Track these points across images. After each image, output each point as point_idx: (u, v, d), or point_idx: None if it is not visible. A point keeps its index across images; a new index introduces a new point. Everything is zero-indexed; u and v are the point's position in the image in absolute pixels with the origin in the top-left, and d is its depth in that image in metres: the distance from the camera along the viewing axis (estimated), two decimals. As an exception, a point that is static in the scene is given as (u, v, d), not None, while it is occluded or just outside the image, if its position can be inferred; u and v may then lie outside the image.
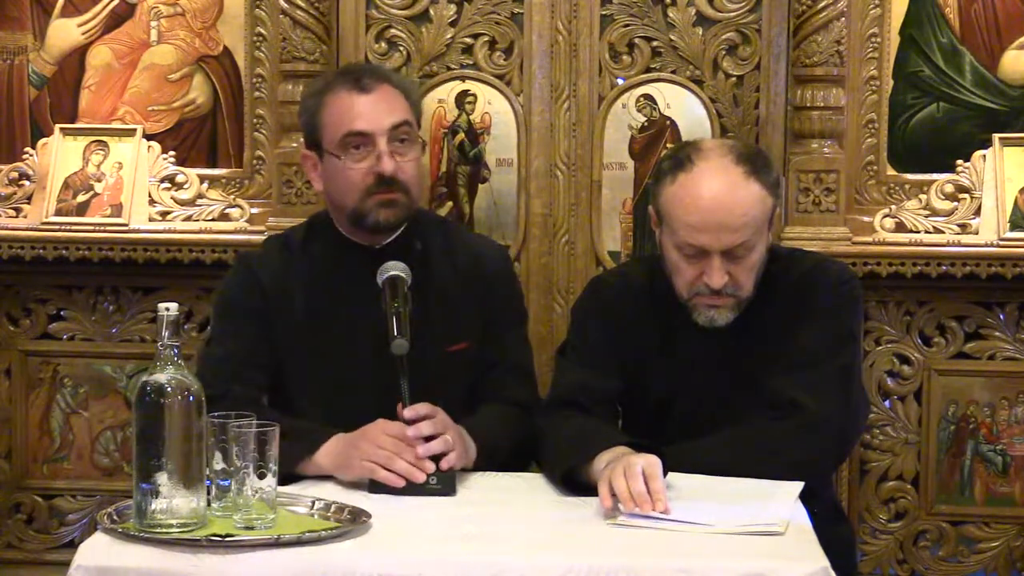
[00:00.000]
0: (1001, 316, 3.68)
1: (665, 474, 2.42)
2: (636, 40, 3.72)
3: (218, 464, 2.26)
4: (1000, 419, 3.70)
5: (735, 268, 2.71)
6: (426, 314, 2.84)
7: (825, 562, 2.16)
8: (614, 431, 2.79)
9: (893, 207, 3.69)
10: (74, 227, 3.75)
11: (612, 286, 2.98)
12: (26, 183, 3.86)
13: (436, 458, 2.55)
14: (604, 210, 3.73)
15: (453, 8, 3.75)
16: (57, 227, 3.76)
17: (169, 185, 3.83)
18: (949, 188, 3.68)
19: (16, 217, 3.83)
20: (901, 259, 3.59)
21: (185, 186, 3.82)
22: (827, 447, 2.74)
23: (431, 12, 3.75)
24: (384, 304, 2.69)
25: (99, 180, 3.81)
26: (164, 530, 2.18)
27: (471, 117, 3.76)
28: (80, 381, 3.88)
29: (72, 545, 3.76)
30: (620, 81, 3.72)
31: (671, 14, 3.71)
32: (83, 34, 3.89)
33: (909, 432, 3.72)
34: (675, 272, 2.76)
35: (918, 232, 3.65)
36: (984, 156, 3.67)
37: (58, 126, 3.86)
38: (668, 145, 3.68)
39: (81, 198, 3.80)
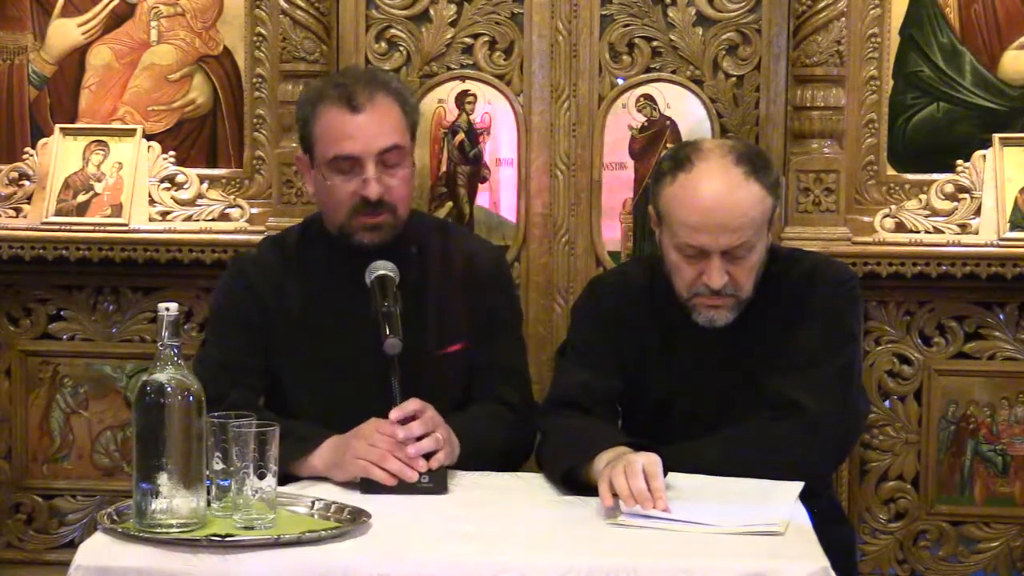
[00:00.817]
0: (1001, 316, 3.68)
1: (665, 473, 2.42)
2: (636, 40, 3.72)
3: (218, 464, 2.26)
4: (1000, 419, 3.70)
5: (735, 268, 2.71)
6: (422, 316, 2.84)
7: (825, 562, 2.16)
8: (614, 431, 2.79)
9: (893, 207, 3.69)
10: (74, 227, 3.75)
11: (611, 286, 2.98)
12: (26, 183, 3.86)
13: (427, 455, 2.56)
14: (604, 210, 3.73)
15: (453, 8, 3.75)
16: (57, 227, 3.76)
17: (169, 185, 3.83)
18: (949, 188, 3.68)
19: (16, 217, 3.83)
20: (901, 259, 3.59)
21: (185, 186, 3.82)
22: (827, 447, 2.74)
23: (431, 12, 3.75)
24: (374, 304, 2.69)
25: (99, 180, 3.81)
26: (164, 530, 2.18)
27: (471, 117, 3.76)
28: (80, 381, 3.88)
29: (72, 545, 3.76)
30: (620, 81, 3.72)
31: (671, 14, 3.71)
32: (83, 34, 3.89)
33: (909, 432, 3.72)
34: (675, 272, 2.76)
35: (918, 232, 3.65)
36: (984, 156, 3.67)
37: (58, 126, 3.86)
38: (668, 145, 3.68)
39: (81, 198, 3.80)
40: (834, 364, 2.74)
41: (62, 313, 3.87)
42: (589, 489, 2.49)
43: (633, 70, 3.72)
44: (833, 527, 2.66)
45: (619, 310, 2.89)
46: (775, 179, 2.77)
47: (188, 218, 3.79)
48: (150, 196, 3.81)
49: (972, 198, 3.66)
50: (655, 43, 3.72)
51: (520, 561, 2.14)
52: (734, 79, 3.71)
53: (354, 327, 2.80)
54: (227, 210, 3.80)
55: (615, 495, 2.37)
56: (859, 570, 3.57)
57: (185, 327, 3.67)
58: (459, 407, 2.87)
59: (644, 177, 3.70)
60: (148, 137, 3.86)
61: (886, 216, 3.67)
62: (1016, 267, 3.56)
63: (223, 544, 2.16)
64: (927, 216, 3.67)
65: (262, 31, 3.79)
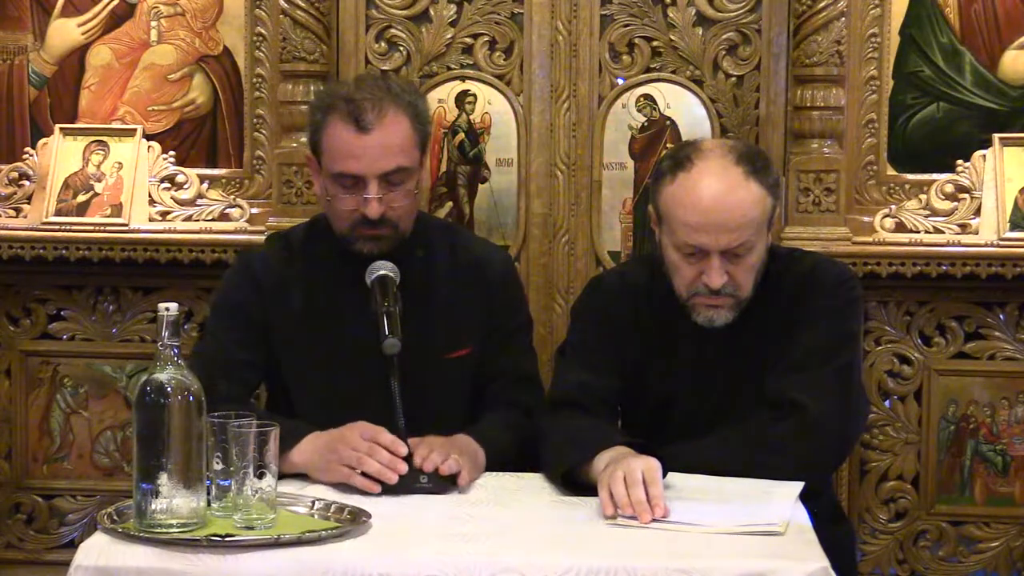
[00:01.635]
0: (1001, 316, 3.68)
1: (665, 475, 2.42)
2: (636, 40, 3.72)
3: (218, 464, 2.26)
4: (1000, 419, 3.70)
5: (734, 268, 2.71)
6: (427, 319, 2.84)
7: (825, 562, 2.16)
8: (613, 431, 2.79)
9: (893, 207, 3.69)
10: (74, 227, 3.75)
11: (611, 286, 2.98)
12: (26, 183, 3.86)
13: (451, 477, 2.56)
14: (604, 210, 3.73)
15: (453, 8, 3.75)
16: (57, 227, 3.76)
17: (169, 185, 3.83)
18: (949, 188, 3.68)
19: (16, 217, 3.83)
20: (901, 259, 3.59)
21: (185, 186, 3.82)
22: (827, 447, 2.74)
23: (431, 12, 3.75)
24: (374, 304, 2.69)
25: (99, 180, 3.81)
26: (164, 530, 2.18)
27: (471, 117, 3.76)
28: (80, 381, 3.88)
29: (72, 545, 3.76)
30: (620, 81, 3.72)
31: (671, 14, 3.71)
32: (83, 34, 3.89)
33: (909, 432, 3.72)
34: (674, 272, 2.76)
35: (918, 232, 3.65)
36: (984, 156, 3.67)
37: (58, 126, 3.86)
38: (668, 145, 3.68)
39: (81, 198, 3.80)
40: (834, 364, 2.74)
41: (62, 313, 3.87)
42: (588, 489, 2.49)
43: (633, 70, 3.72)
44: (833, 527, 2.66)
45: (619, 310, 2.89)
46: (775, 179, 2.77)
47: (188, 218, 3.79)
48: (150, 196, 3.81)
49: (972, 198, 3.66)
50: (655, 43, 3.72)
51: (520, 561, 2.14)
52: (734, 79, 3.71)
53: (356, 327, 2.80)
54: (227, 210, 3.80)
55: (614, 503, 2.37)
56: (859, 570, 3.57)
57: (185, 327, 3.67)
58: (465, 412, 2.87)
59: (644, 177, 3.70)
60: (148, 137, 3.86)
61: (886, 216, 3.67)
62: (1016, 267, 3.56)
63: (223, 544, 2.16)
64: (927, 216, 3.67)
65: (262, 31, 3.79)
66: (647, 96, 3.72)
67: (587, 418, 2.77)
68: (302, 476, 2.62)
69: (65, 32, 3.90)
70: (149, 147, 3.84)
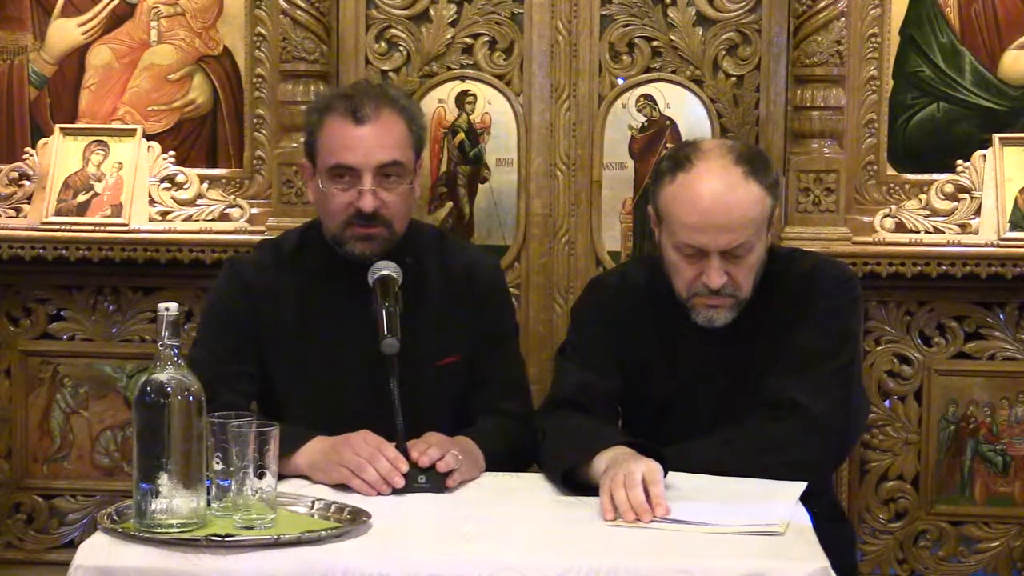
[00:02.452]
0: (1001, 316, 3.68)
1: (665, 475, 2.42)
2: (636, 40, 3.72)
3: (218, 464, 2.26)
4: (1000, 419, 3.70)
5: (734, 268, 2.71)
6: (417, 328, 2.84)
7: (825, 562, 2.16)
8: (613, 431, 2.79)
9: (893, 207, 3.69)
10: (74, 227, 3.75)
11: (611, 286, 2.98)
12: (26, 183, 3.86)
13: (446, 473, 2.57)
14: (604, 210, 3.73)
15: (453, 8, 3.75)
16: (57, 227, 3.76)
17: (169, 185, 3.83)
18: (949, 188, 3.68)
19: (16, 217, 3.83)
20: (901, 259, 3.59)
21: (185, 186, 3.82)
22: (826, 447, 2.74)
23: (431, 12, 3.75)
24: (375, 304, 2.69)
25: (99, 180, 3.81)
26: (164, 530, 2.18)
27: (471, 117, 3.76)
28: (80, 381, 3.88)
29: (72, 545, 3.76)
30: (620, 81, 3.72)
31: (671, 14, 3.71)
32: (83, 34, 3.89)
33: (909, 432, 3.72)
34: (674, 272, 2.75)
35: (918, 232, 3.65)
36: (984, 156, 3.67)
37: (58, 126, 3.86)
38: (668, 145, 3.68)
39: (81, 198, 3.80)
40: (834, 364, 2.74)
41: (62, 313, 3.87)
42: (589, 489, 2.49)
43: (633, 70, 3.72)
44: (833, 527, 2.66)
45: (619, 310, 2.89)
46: (774, 179, 2.77)
47: (188, 218, 3.79)
48: (150, 196, 3.81)
49: (972, 198, 3.66)
50: (655, 43, 3.72)
51: (520, 561, 2.14)
52: (734, 79, 3.71)
53: (350, 333, 2.80)
54: (227, 210, 3.80)
55: (615, 506, 2.37)
56: (859, 570, 3.57)
57: (185, 327, 3.65)
58: (452, 417, 2.87)
59: (644, 177, 3.70)
60: (148, 137, 3.86)
61: (886, 216, 3.67)
62: (1016, 267, 3.56)
63: (223, 544, 2.16)
64: (927, 216, 3.67)
65: (262, 31, 3.79)
66: (647, 96, 3.72)
67: (587, 418, 2.77)
68: (302, 477, 2.62)
69: (65, 32, 3.90)
70: (149, 147, 3.84)
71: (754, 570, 2.12)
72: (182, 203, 3.81)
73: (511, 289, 3.39)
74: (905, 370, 3.70)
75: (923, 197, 3.69)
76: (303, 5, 3.66)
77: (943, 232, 3.65)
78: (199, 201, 3.82)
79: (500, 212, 3.76)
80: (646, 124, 3.73)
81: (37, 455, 3.90)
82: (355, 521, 2.28)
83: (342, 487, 2.53)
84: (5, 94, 3.92)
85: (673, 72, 3.72)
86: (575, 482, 2.56)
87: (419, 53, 3.76)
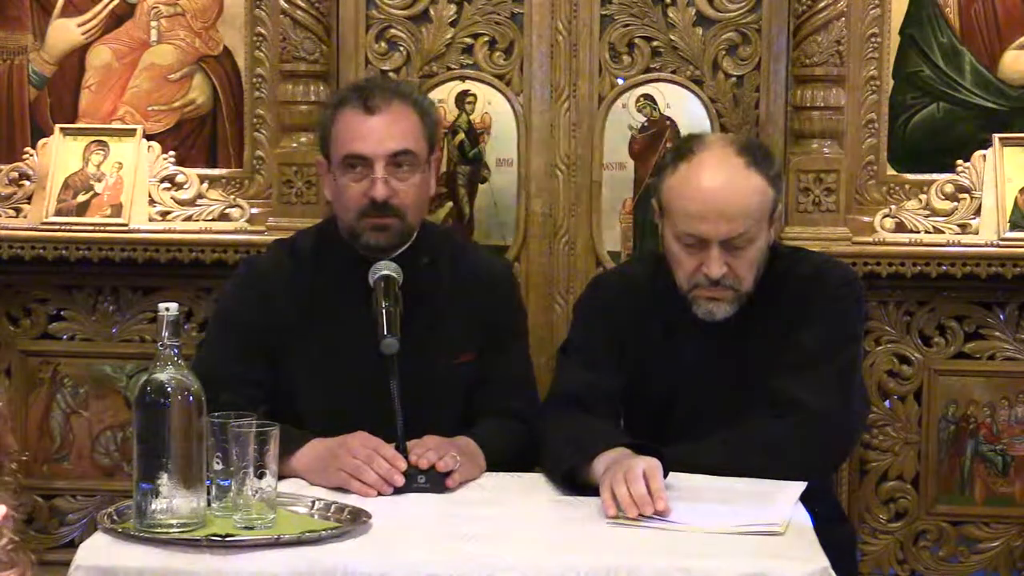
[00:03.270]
0: (1001, 316, 3.68)
1: (666, 475, 2.42)
2: (636, 40, 3.72)
3: (218, 464, 2.26)
4: (1000, 419, 3.70)
5: (734, 260, 2.72)
6: (432, 326, 2.85)
7: (825, 562, 2.16)
8: (614, 431, 2.79)
9: (893, 207, 3.69)
10: (74, 227, 3.75)
11: (614, 284, 2.99)
12: (26, 183, 3.85)
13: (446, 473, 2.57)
14: (604, 210, 3.73)
15: (453, 8, 3.74)
16: (57, 227, 3.75)
17: (169, 185, 3.82)
18: (949, 188, 3.68)
19: (16, 217, 3.83)
20: (901, 259, 3.59)
21: (185, 186, 3.82)
22: (828, 446, 2.74)
23: (431, 12, 3.75)
24: (374, 303, 2.69)
25: (99, 180, 3.81)
26: (164, 530, 2.18)
27: (471, 117, 3.76)
28: (80, 381, 3.87)
29: (72, 545, 3.75)
30: (620, 81, 3.72)
31: (671, 14, 3.70)
32: (83, 34, 3.89)
33: (909, 432, 3.72)
34: (675, 264, 2.76)
35: (918, 232, 3.65)
36: (984, 156, 3.67)
37: (58, 126, 3.86)
38: (668, 145, 3.68)
39: (81, 198, 3.80)
40: (835, 364, 2.75)
41: (62, 313, 3.86)
42: (589, 489, 2.49)
43: (633, 70, 3.72)
44: (833, 527, 2.66)
45: (621, 307, 2.90)
46: (777, 172, 2.79)
47: (188, 218, 3.79)
48: (150, 196, 3.80)
49: (972, 198, 3.66)
50: (655, 43, 3.72)
51: (520, 561, 2.15)
52: (734, 79, 3.70)
53: (362, 333, 2.79)
54: (227, 210, 3.80)
55: (616, 502, 2.37)
56: (859, 570, 3.57)
57: (185, 327, 3.66)
58: (463, 417, 2.87)
59: (644, 177, 3.70)
60: (148, 137, 3.85)
61: (886, 216, 3.67)
62: (1016, 267, 3.56)
63: (223, 544, 2.16)
64: (927, 216, 3.67)
65: (262, 31, 3.79)
66: (647, 96, 3.72)
67: (587, 418, 2.78)
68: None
69: (65, 32, 3.89)
70: (149, 147, 3.84)
71: (754, 570, 2.13)
72: (182, 203, 3.81)
73: (513, 289, 3.40)
74: (905, 370, 3.70)
75: (923, 197, 3.69)
76: (303, 5, 3.66)
77: (943, 232, 3.65)
78: (199, 201, 3.81)
79: (500, 212, 3.76)
80: (646, 124, 3.73)
81: (37, 455, 3.90)
82: (355, 521, 2.28)
83: (342, 488, 2.53)
84: (5, 94, 3.92)
85: (673, 72, 3.72)
86: (575, 482, 2.56)
87: (419, 53, 3.76)
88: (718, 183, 2.71)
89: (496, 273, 3.05)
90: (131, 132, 3.83)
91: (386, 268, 2.76)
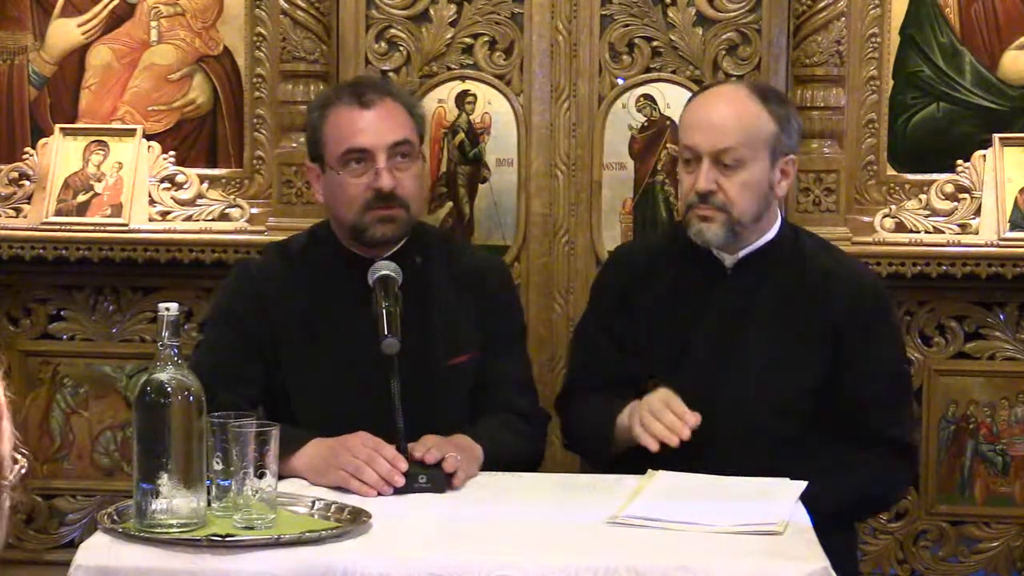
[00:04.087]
0: (1001, 316, 3.68)
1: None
2: (636, 40, 3.72)
3: (218, 464, 2.26)
4: (1000, 419, 3.70)
5: (724, 180, 2.80)
6: (427, 327, 2.85)
7: (825, 562, 2.16)
8: (621, 402, 2.86)
9: (893, 207, 3.69)
10: (74, 227, 3.75)
11: (624, 251, 3.26)
12: (26, 183, 3.86)
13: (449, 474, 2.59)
14: (604, 210, 3.73)
15: (453, 8, 3.75)
16: (57, 227, 3.76)
17: (169, 185, 3.83)
18: (949, 188, 3.68)
19: (16, 217, 3.83)
20: (901, 259, 3.59)
21: (185, 186, 3.82)
22: (914, 471, 3.12)
23: (431, 12, 3.75)
24: (374, 304, 2.69)
25: (99, 180, 3.81)
26: (164, 530, 2.18)
27: (471, 117, 3.76)
28: (80, 381, 3.88)
29: (72, 545, 3.75)
30: (620, 81, 3.72)
31: (671, 14, 3.70)
32: (83, 34, 3.89)
33: (909, 432, 3.72)
34: (679, 191, 2.91)
35: (918, 232, 3.65)
36: (984, 156, 3.67)
37: (58, 126, 3.86)
38: (668, 145, 3.69)
39: (81, 198, 3.80)
40: (907, 387, 3.01)
41: (62, 313, 3.86)
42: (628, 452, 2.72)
43: (633, 70, 3.72)
44: (834, 527, 2.66)
45: (633, 265, 3.01)
46: (787, 115, 2.88)
47: (188, 218, 3.79)
48: (150, 196, 3.80)
49: (972, 198, 3.66)
50: (655, 43, 3.72)
51: (520, 561, 2.14)
52: (734, 79, 3.70)
53: (359, 335, 2.79)
54: (227, 210, 3.80)
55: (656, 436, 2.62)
56: (860, 570, 3.57)
57: (185, 327, 3.66)
58: (463, 416, 2.88)
59: (644, 177, 3.70)
60: (148, 137, 3.85)
61: (886, 216, 3.67)
62: (1016, 267, 3.56)
63: (223, 544, 2.16)
64: (927, 216, 3.68)
65: (262, 31, 3.79)
66: (647, 96, 3.72)
67: (597, 398, 2.91)
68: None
69: (65, 32, 3.90)
70: (149, 147, 3.84)
71: (754, 570, 2.13)
72: (182, 203, 3.81)
73: (512, 289, 3.40)
74: (905, 370, 3.70)
75: (923, 197, 3.69)
76: (303, 5, 3.66)
77: (943, 232, 3.65)
78: (199, 201, 3.82)
79: (500, 212, 3.76)
80: (646, 124, 3.73)
81: (37, 455, 3.90)
82: (355, 521, 2.28)
83: (342, 488, 2.53)
84: (5, 94, 3.92)
85: (673, 72, 3.72)
86: (614, 453, 2.78)
87: (419, 53, 3.76)
88: (717, 99, 2.88)
89: (493, 272, 3.05)
90: (131, 132, 3.83)
91: (386, 268, 2.76)
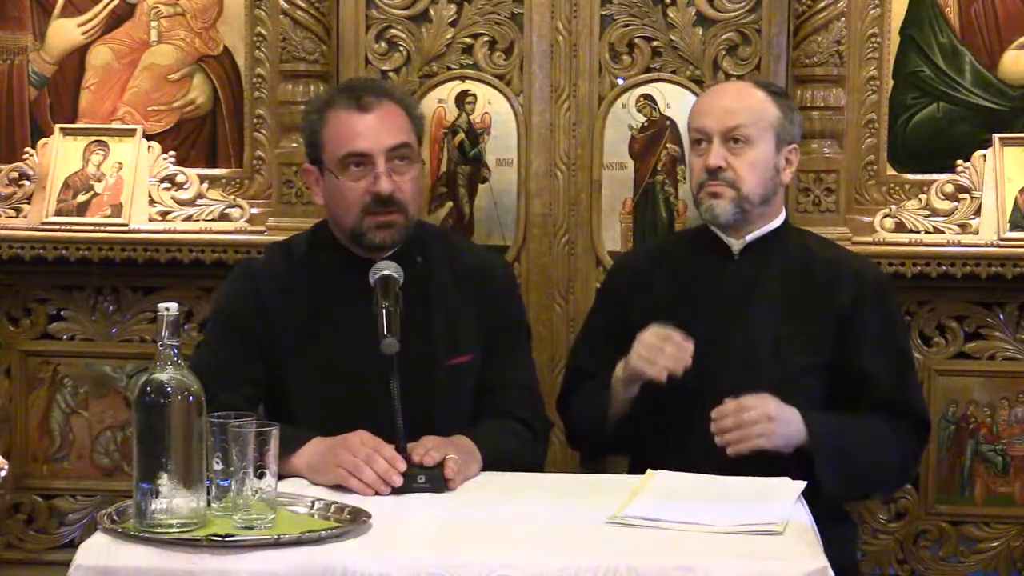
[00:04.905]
0: (1001, 316, 3.68)
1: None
2: (636, 40, 3.72)
3: (218, 464, 2.26)
4: (1000, 419, 3.70)
5: (734, 158, 2.93)
6: (428, 327, 2.85)
7: (825, 562, 2.16)
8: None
9: (893, 207, 3.69)
10: (74, 227, 3.75)
11: (628, 256, 3.39)
12: (26, 183, 3.86)
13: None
14: (604, 210, 3.73)
15: (453, 8, 3.75)
16: (57, 227, 3.76)
17: (169, 185, 3.83)
18: (949, 188, 3.68)
19: (16, 217, 3.83)
20: (901, 259, 3.59)
21: (185, 186, 3.82)
22: (922, 452, 3.11)
23: (431, 12, 3.75)
24: (375, 303, 2.69)
25: (99, 180, 3.81)
26: (164, 530, 2.18)
27: (471, 117, 3.76)
28: (80, 381, 3.88)
29: (72, 545, 3.75)
30: (620, 81, 3.72)
31: (671, 14, 3.70)
32: (83, 34, 3.89)
33: (909, 432, 3.72)
34: (690, 175, 3.02)
35: (918, 232, 3.65)
36: (984, 156, 3.67)
37: (58, 126, 3.86)
38: (668, 145, 3.69)
39: (81, 198, 3.80)
40: (912, 363, 3.06)
41: (62, 313, 3.87)
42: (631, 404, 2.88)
43: (633, 70, 3.72)
44: (835, 525, 2.68)
45: (637, 264, 3.12)
46: (789, 106, 3.03)
47: (188, 218, 3.79)
48: (150, 196, 3.81)
49: (972, 198, 3.66)
50: (655, 43, 3.72)
51: (520, 560, 2.14)
52: (734, 79, 3.70)
53: (360, 335, 2.79)
54: (227, 210, 3.80)
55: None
56: (860, 570, 3.57)
57: (185, 327, 3.67)
58: (464, 416, 2.87)
59: (644, 177, 3.70)
60: (148, 137, 3.86)
61: (886, 216, 3.67)
62: (1016, 267, 3.56)
63: (223, 544, 2.16)
64: (927, 216, 3.68)
65: (262, 31, 3.79)
66: (647, 96, 3.72)
67: (593, 382, 3.02)
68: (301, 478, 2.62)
69: (65, 32, 3.90)
70: (149, 147, 3.84)
71: (754, 570, 2.13)
72: (182, 203, 3.81)
73: (513, 289, 3.40)
74: (905, 370, 3.70)
75: (923, 197, 3.69)
76: (303, 5, 3.66)
77: (943, 232, 3.65)
78: (199, 201, 3.82)
79: (500, 212, 3.76)
80: (646, 124, 3.73)
81: (37, 455, 3.90)
82: (355, 521, 2.28)
83: (341, 487, 2.53)
84: (5, 94, 3.92)
85: (673, 72, 3.72)
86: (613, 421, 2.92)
87: (419, 53, 3.76)
88: (724, 89, 3.15)
89: (496, 274, 3.04)
90: (131, 132, 3.84)
91: (386, 268, 2.76)
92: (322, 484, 2.56)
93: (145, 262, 3.73)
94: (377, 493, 2.50)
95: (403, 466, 2.53)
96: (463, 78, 3.76)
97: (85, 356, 3.87)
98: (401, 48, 3.76)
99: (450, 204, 3.77)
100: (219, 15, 3.85)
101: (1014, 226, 3.60)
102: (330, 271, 2.91)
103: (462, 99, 3.76)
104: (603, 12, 3.71)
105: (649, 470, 2.63)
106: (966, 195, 3.67)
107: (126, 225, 3.75)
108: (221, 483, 2.27)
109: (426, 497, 2.51)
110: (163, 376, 2.20)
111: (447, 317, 2.91)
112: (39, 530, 3.92)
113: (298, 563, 2.15)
